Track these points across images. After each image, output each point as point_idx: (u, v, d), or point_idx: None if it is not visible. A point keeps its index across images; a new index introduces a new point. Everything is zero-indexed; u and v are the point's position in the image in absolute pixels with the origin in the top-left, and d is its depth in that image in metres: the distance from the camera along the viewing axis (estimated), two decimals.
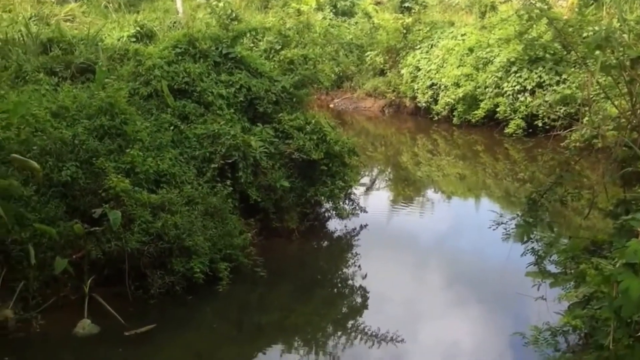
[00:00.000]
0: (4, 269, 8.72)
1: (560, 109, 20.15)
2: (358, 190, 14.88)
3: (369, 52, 28.78)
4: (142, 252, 9.37)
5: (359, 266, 11.92)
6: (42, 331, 8.48)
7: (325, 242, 13.55)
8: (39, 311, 8.69)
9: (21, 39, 15.64)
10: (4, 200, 8.76)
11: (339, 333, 9.47)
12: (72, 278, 9.22)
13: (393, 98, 27.55)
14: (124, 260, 9.33)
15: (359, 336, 9.16)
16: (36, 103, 10.68)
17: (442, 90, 24.63)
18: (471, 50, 24.51)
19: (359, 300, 10.67)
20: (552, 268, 8.50)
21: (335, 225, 13.66)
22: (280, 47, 23.04)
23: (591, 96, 11.52)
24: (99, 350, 8.39)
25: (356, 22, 32.25)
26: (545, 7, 10.57)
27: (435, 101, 25.05)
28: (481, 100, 23.15)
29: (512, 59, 22.39)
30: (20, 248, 8.83)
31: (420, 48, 26.89)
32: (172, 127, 11.63)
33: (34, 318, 8.51)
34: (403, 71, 26.75)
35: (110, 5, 30.33)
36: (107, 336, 8.56)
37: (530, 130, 21.19)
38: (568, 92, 20.39)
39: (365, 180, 18.31)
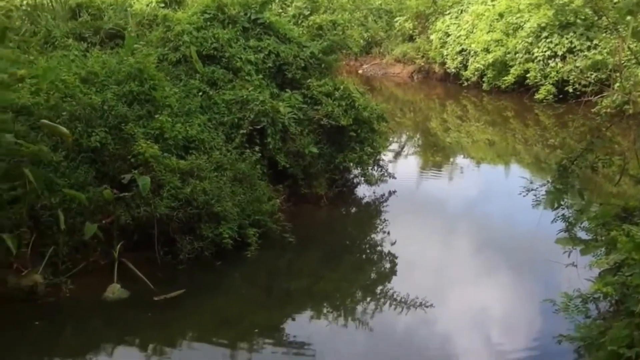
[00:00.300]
0: (33, 234, 8.78)
1: (591, 74, 19.87)
2: (387, 157, 14.81)
3: (398, 18, 28.50)
4: (171, 218, 9.39)
5: (388, 232, 11.87)
6: (72, 296, 8.53)
7: (354, 209, 13.51)
8: (69, 276, 8.74)
9: (50, 4, 15.63)
10: (34, 165, 8.80)
11: (368, 299, 9.45)
12: (101, 243, 9.28)
13: (422, 64, 27.34)
14: (153, 226, 9.36)
15: (388, 302, 9.13)
16: (65, 69, 10.69)
17: (472, 56, 24.39)
18: (501, 15, 24.17)
19: (387, 266, 10.64)
20: (582, 235, 8.41)
21: (363, 191, 13.61)
22: (309, 12, 22.93)
23: (622, 62, 11.32)
24: (129, 315, 8.46)
25: None
26: None
27: (465, 67, 24.83)
28: (511, 66, 22.90)
29: (543, 25, 22.05)
30: (49, 213, 8.88)
31: (449, 13, 26.60)
32: (200, 93, 11.60)
33: (63, 283, 8.57)
34: (432, 37, 26.51)
35: None
36: (137, 301, 8.62)
37: (561, 96, 20.95)
38: (599, 57, 20.09)
39: (394, 146, 18.22)
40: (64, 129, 9.17)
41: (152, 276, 8.95)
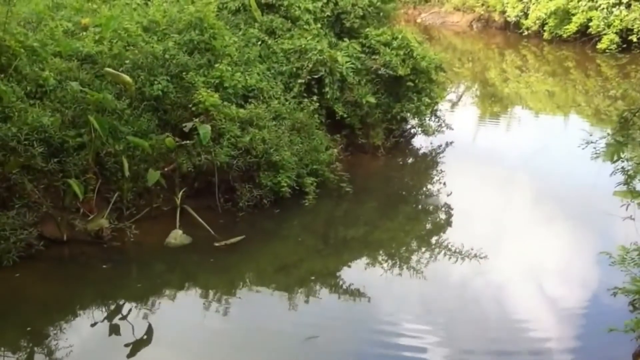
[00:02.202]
0: (99, 180, 9.02)
1: None
2: (444, 107, 14.69)
3: None
4: (231, 166, 9.54)
5: (444, 183, 11.87)
6: (136, 241, 8.73)
7: (410, 159, 13.52)
8: (133, 221, 8.93)
9: None
10: (98, 113, 9.02)
11: (423, 249, 9.53)
12: (164, 190, 9.49)
13: (482, 12, 26.84)
14: (213, 174, 9.53)
15: (443, 252, 9.17)
16: (127, 17, 10.83)
17: (533, 4, 23.81)
18: None
19: (443, 216, 10.67)
20: None
21: (420, 142, 13.60)
22: None
23: None
24: (191, 260, 8.67)
25: None
26: None
27: (526, 15, 24.29)
28: (573, 14, 22.31)
29: None
30: (114, 160, 9.10)
31: None
32: (259, 42, 11.65)
33: (128, 228, 8.75)
34: None
35: None
36: (198, 246, 8.82)
37: (625, 45, 20.41)
38: None
39: (452, 96, 18.05)
40: (127, 78, 9.34)
41: (213, 223, 9.12)
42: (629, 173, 8.15)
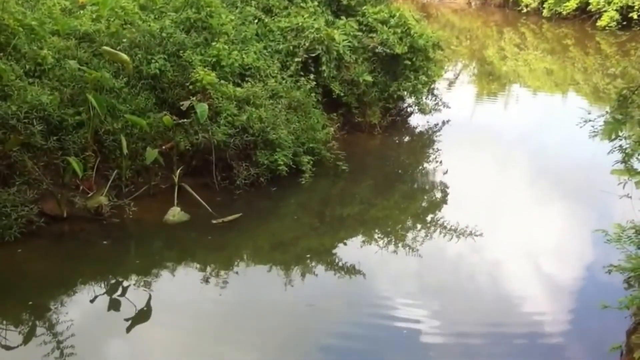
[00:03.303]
0: (98, 158, 9.11)
1: None
2: (441, 86, 14.73)
3: None
4: (228, 145, 9.62)
5: (440, 162, 11.97)
6: (135, 217, 8.83)
7: (407, 138, 13.59)
8: (132, 199, 9.03)
9: None
10: (96, 91, 9.08)
11: (418, 227, 9.64)
12: (162, 168, 9.60)
13: None
14: (210, 152, 9.62)
15: (438, 230, 9.28)
16: None
17: None
18: None
19: (439, 195, 10.78)
20: (639, 166, 8.32)
21: (417, 120, 13.68)
22: None
23: None
24: (189, 236, 8.79)
25: None
26: None
27: None
28: None
29: None
30: (113, 138, 9.18)
31: None
32: (256, 20, 11.67)
33: (127, 205, 8.85)
34: None
35: None
36: (196, 224, 8.91)
37: (625, 23, 20.33)
38: None
39: (449, 75, 18.07)
40: (125, 56, 9.39)
41: (211, 201, 9.21)
42: (626, 151, 8.18)
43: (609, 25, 20.62)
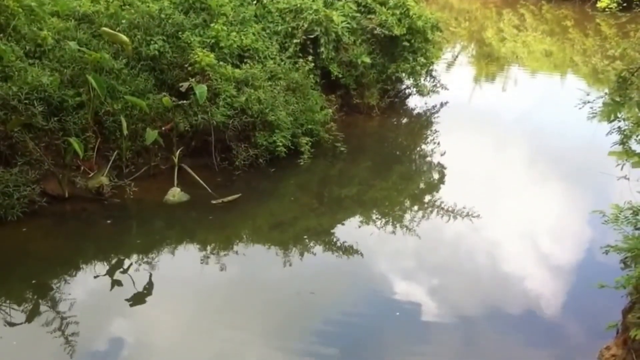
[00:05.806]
0: (98, 139, 9.19)
1: None
2: (440, 67, 14.75)
3: None
4: (227, 126, 9.69)
5: (438, 143, 12.04)
6: (136, 198, 8.94)
7: (405, 119, 13.64)
8: (132, 179, 9.15)
9: None
10: (96, 73, 9.12)
11: (416, 207, 9.72)
12: (162, 149, 9.67)
13: None
14: (209, 133, 9.70)
15: (436, 211, 9.36)
16: None
17: None
18: None
19: (436, 176, 10.85)
20: (637, 148, 8.36)
21: (415, 102, 13.72)
22: None
23: None
24: (189, 216, 8.88)
25: None
26: None
27: None
28: None
29: None
30: (113, 119, 9.26)
31: None
32: (255, 2, 11.69)
33: (127, 185, 8.95)
34: None
35: None
36: (196, 204, 9.00)
37: (625, 4, 20.23)
38: None
39: (448, 56, 18.09)
40: (124, 37, 9.44)
41: (210, 181, 9.32)
42: (625, 133, 8.21)
43: (609, 6, 20.54)
